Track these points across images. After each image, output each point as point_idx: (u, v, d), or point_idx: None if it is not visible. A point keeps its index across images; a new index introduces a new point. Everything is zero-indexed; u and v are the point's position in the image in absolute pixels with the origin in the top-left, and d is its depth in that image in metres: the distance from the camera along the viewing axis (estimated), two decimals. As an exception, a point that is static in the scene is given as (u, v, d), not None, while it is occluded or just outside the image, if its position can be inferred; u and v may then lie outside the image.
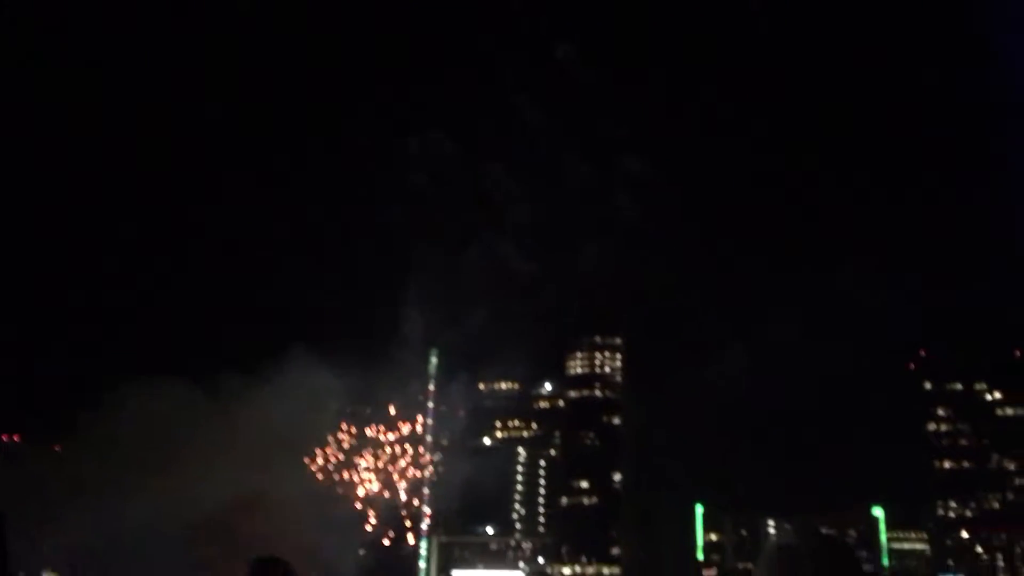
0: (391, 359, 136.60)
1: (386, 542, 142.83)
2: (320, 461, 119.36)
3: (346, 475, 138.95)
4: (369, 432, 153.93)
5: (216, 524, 69.53)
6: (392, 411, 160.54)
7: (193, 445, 66.28)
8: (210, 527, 70.37)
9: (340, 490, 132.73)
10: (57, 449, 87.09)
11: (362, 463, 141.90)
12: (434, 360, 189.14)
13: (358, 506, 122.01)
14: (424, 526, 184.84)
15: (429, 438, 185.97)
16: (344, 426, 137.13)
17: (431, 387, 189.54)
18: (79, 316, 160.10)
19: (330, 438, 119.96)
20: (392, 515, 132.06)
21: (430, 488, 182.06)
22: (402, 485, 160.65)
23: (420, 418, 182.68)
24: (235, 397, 69.95)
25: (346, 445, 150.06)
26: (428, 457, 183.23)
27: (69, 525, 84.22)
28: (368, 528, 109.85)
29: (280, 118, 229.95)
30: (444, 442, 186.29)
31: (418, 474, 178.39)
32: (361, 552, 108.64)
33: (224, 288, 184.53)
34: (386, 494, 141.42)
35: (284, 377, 71.82)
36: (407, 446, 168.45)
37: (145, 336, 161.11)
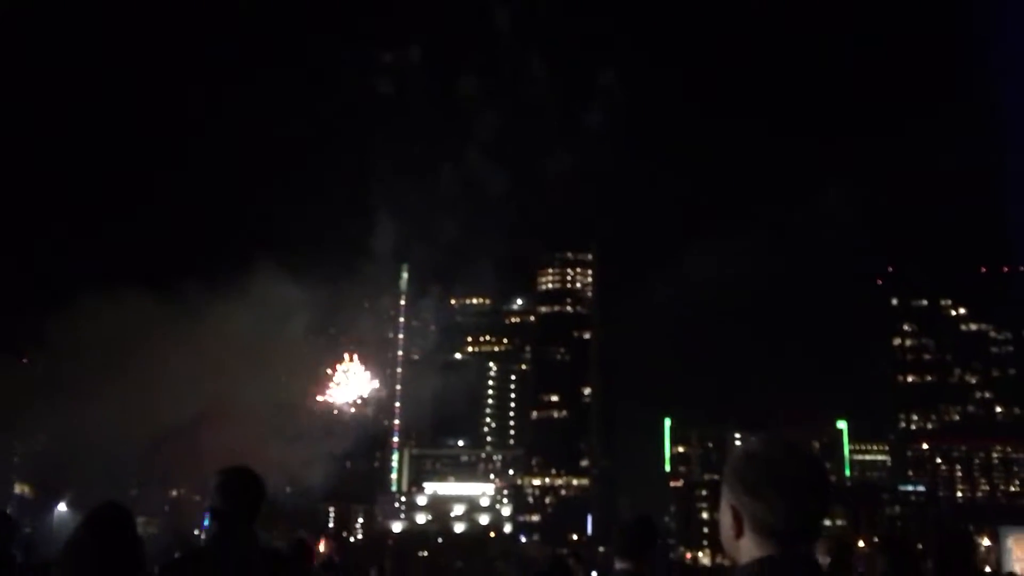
0: (361, 273, 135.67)
1: (356, 455, 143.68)
2: (288, 373, 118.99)
3: (315, 388, 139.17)
4: (339, 346, 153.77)
5: (181, 435, 69.33)
6: (362, 325, 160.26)
7: (158, 355, 65.56)
8: (175, 438, 70.20)
9: (308, 402, 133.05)
10: (24, 361, 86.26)
11: (331, 376, 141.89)
12: (405, 275, 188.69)
13: (327, 419, 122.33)
14: (395, 439, 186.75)
15: (400, 352, 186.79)
16: (313, 339, 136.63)
17: (402, 302, 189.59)
18: (44, 224, 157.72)
19: (298, 351, 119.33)
20: (363, 428, 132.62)
21: (401, 402, 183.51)
22: (373, 398, 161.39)
23: (391, 332, 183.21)
24: (200, 307, 69.08)
25: (315, 358, 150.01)
26: (399, 371, 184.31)
27: (36, 435, 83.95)
28: (338, 441, 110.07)
29: (249, 27, 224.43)
30: (415, 356, 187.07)
31: (390, 388, 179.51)
32: (330, 464, 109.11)
33: (191, 197, 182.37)
34: (357, 407, 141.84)
35: (251, 288, 70.89)
36: (378, 360, 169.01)
37: (110, 245, 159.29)
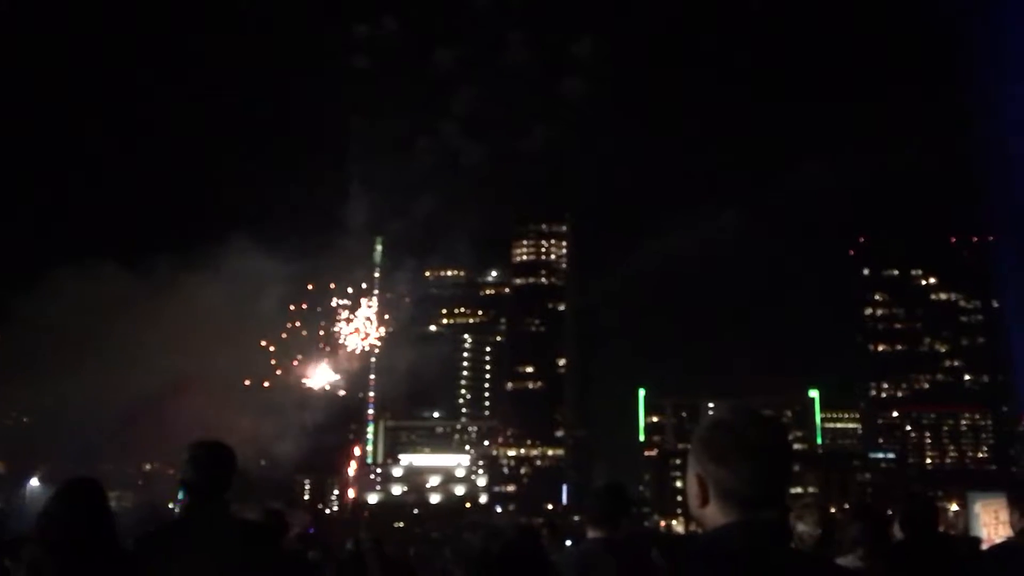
0: (336, 246, 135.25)
1: (330, 427, 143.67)
2: (260, 346, 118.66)
3: (288, 360, 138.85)
4: (313, 317, 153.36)
5: (152, 407, 68.97)
6: (337, 297, 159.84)
7: (129, 329, 65.09)
8: (146, 410, 69.85)
9: (281, 375, 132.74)
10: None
11: (306, 347, 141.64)
12: (379, 248, 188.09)
13: (300, 391, 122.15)
14: (370, 411, 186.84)
15: (375, 325, 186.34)
16: (287, 311, 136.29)
17: (376, 274, 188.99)
18: (12, 200, 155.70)
19: (271, 323, 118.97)
20: (336, 400, 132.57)
21: (376, 374, 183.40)
22: (347, 370, 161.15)
23: (366, 305, 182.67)
24: (171, 281, 68.55)
25: (288, 330, 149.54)
26: (374, 343, 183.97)
27: (7, 411, 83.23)
28: (310, 413, 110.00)
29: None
30: (390, 329, 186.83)
31: (364, 360, 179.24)
32: (302, 436, 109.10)
33: (162, 171, 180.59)
34: (331, 379, 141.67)
35: (223, 261, 70.39)
36: (352, 332, 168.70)
37: (79, 220, 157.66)
